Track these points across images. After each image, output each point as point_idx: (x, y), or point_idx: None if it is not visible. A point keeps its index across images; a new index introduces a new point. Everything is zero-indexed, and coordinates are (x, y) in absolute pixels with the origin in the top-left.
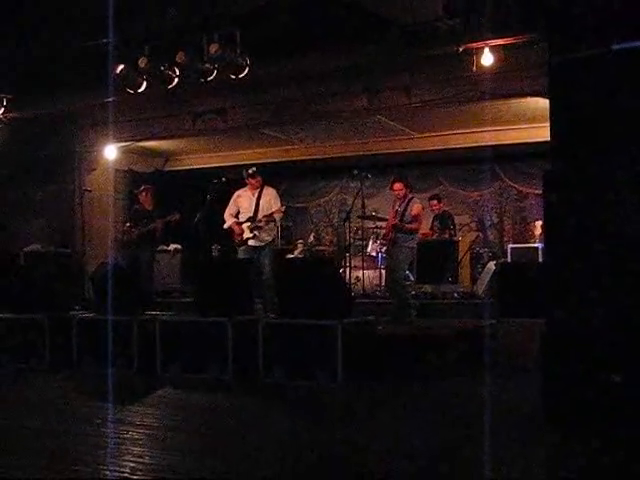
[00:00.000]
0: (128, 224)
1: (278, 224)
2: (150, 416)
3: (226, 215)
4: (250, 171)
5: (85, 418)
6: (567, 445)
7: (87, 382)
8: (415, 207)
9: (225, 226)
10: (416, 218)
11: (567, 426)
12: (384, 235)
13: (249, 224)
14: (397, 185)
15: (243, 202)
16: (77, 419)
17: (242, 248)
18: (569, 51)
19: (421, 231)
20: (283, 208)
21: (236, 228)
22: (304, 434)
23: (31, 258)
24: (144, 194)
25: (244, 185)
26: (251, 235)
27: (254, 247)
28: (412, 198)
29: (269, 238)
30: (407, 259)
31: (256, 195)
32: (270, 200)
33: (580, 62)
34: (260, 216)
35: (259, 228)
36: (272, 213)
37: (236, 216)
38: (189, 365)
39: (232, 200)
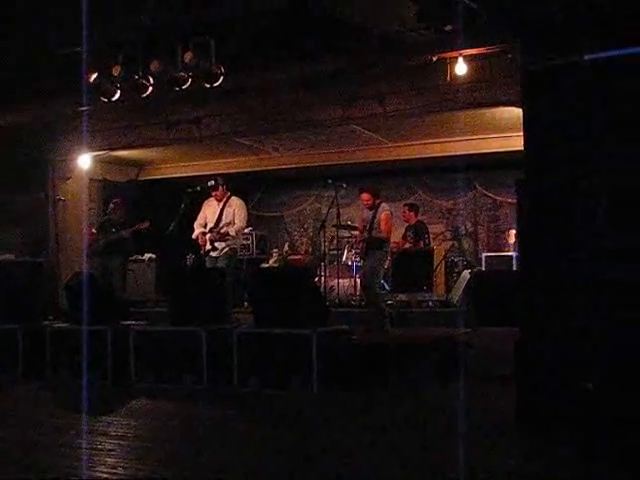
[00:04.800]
0: (94, 231)
1: (235, 239)
2: (124, 426)
3: (195, 224)
4: (209, 183)
5: (59, 429)
6: (539, 452)
7: (61, 392)
8: (383, 215)
9: (193, 236)
10: (385, 226)
11: (540, 434)
12: (356, 246)
13: (210, 235)
14: (364, 195)
15: (209, 212)
16: (51, 430)
17: (207, 258)
18: (542, 61)
19: (394, 240)
20: (242, 223)
21: (201, 238)
22: (278, 443)
23: (4, 267)
24: (113, 206)
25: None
26: (210, 247)
27: (215, 258)
28: (380, 204)
29: (228, 250)
30: (380, 267)
31: (220, 206)
32: (234, 211)
33: (553, 72)
34: (221, 227)
35: (217, 240)
36: (226, 230)
37: (205, 226)
38: (164, 375)
39: (201, 210)
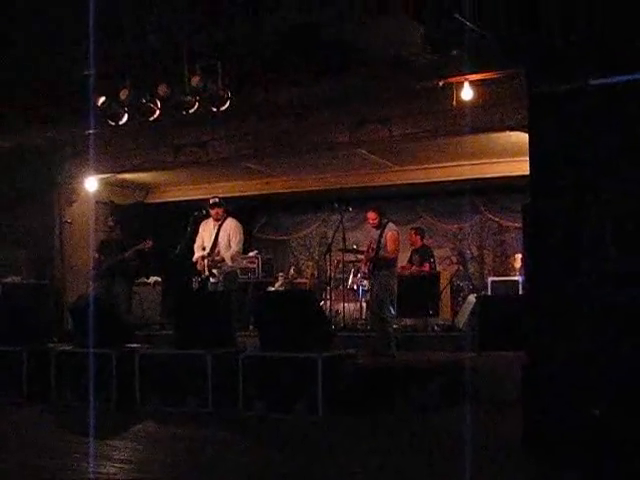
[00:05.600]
0: (96, 255)
1: (231, 267)
2: (129, 450)
3: (195, 246)
4: (211, 201)
5: (63, 452)
6: (545, 476)
7: (65, 415)
8: (390, 234)
9: (193, 259)
10: (392, 246)
11: (547, 459)
12: (361, 267)
13: (207, 262)
14: (371, 214)
15: (205, 234)
16: (55, 453)
17: (207, 283)
18: (548, 86)
19: (401, 265)
20: (238, 247)
21: (200, 263)
22: (284, 468)
23: (10, 290)
24: (110, 227)
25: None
26: (208, 273)
27: (215, 283)
28: (387, 224)
29: (227, 274)
30: (388, 290)
31: (216, 228)
32: (229, 234)
33: (559, 97)
34: (218, 250)
35: (214, 267)
36: (222, 257)
37: (204, 248)
38: (169, 398)
39: (199, 231)
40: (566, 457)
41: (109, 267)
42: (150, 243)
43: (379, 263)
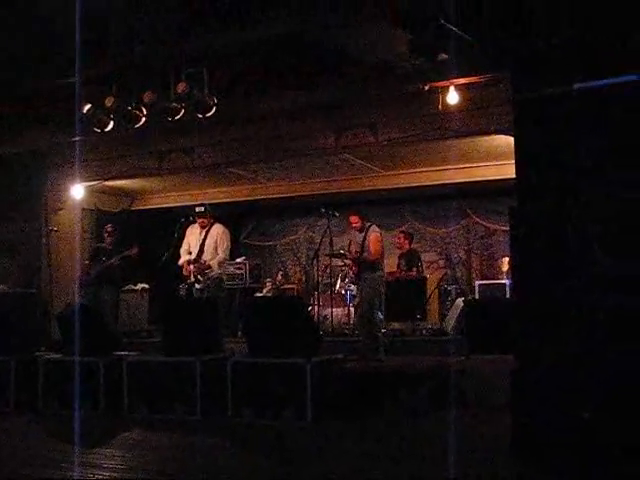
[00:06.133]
0: (87, 262)
1: (217, 273)
2: (117, 458)
3: (182, 250)
4: (197, 210)
5: (51, 461)
6: None
7: (53, 424)
8: (373, 236)
9: (179, 262)
10: (375, 247)
11: (535, 463)
12: (348, 270)
13: (192, 267)
14: (353, 218)
15: (192, 239)
16: (43, 462)
17: (193, 290)
18: (533, 90)
19: (388, 271)
20: (224, 254)
21: (186, 268)
22: (272, 474)
23: None
24: (107, 233)
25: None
26: (194, 279)
27: (201, 290)
28: (370, 227)
29: (213, 281)
30: (376, 292)
31: (203, 234)
32: (216, 241)
33: (543, 100)
34: (204, 257)
35: (199, 273)
36: (208, 263)
37: (190, 253)
38: (157, 405)
39: (185, 236)
40: (554, 461)
41: (97, 274)
42: (136, 249)
43: (364, 265)
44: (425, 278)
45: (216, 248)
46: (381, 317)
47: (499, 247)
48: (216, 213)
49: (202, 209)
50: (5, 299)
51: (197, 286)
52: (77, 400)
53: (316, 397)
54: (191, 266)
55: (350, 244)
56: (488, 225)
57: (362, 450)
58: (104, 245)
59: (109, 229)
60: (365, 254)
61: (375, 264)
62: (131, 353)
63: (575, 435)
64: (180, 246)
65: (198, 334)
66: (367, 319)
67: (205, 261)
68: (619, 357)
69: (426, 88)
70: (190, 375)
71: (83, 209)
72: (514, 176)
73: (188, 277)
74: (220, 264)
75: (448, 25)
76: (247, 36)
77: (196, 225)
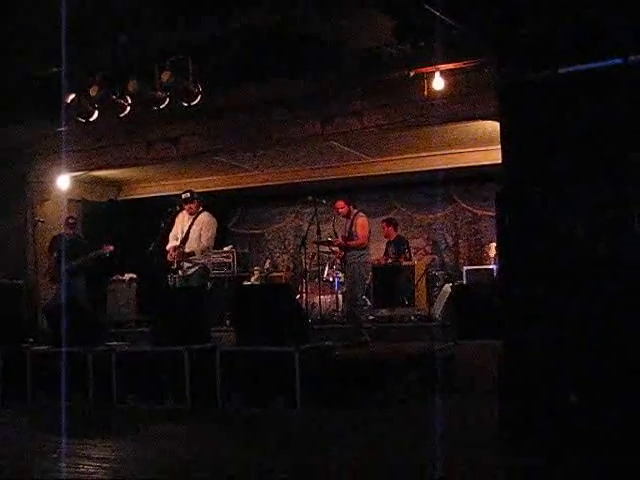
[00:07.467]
0: (55, 255)
1: (204, 258)
2: (107, 448)
3: (170, 235)
4: (183, 196)
5: (40, 452)
6: (522, 466)
7: (42, 415)
8: (359, 221)
9: (166, 248)
10: (362, 232)
11: (524, 447)
12: (335, 257)
13: (175, 254)
14: (339, 203)
15: (178, 226)
16: (32, 454)
17: (176, 277)
18: (517, 74)
19: (376, 258)
20: (209, 242)
21: (170, 254)
22: (263, 462)
23: None
24: (71, 224)
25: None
26: (175, 266)
27: (185, 278)
28: (357, 213)
29: (198, 269)
30: (362, 276)
31: (190, 221)
32: (201, 229)
33: (528, 85)
34: (188, 245)
35: (182, 260)
36: (191, 250)
37: (177, 238)
38: (146, 395)
39: (175, 223)
40: (542, 445)
41: (70, 270)
42: (111, 248)
43: (350, 250)
44: (413, 265)
45: (200, 236)
46: (369, 304)
47: (486, 233)
48: (203, 202)
49: (188, 195)
50: None
51: (179, 273)
52: (66, 391)
53: (305, 385)
54: (175, 252)
55: (337, 230)
56: (475, 211)
57: (351, 437)
58: (71, 235)
59: (70, 221)
60: (352, 239)
61: (361, 249)
62: (120, 343)
63: (562, 419)
64: (170, 232)
65: (185, 323)
66: (353, 301)
67: (188, 248)
68: (607, 340)
69: (411, 74)
70: (179, 365)
71: (69, 200)
72: (500, 161)
73: (172, 263)
74: (203, 252)
75: (433, 10)
76: (232, 25)
77: (185, 212)
